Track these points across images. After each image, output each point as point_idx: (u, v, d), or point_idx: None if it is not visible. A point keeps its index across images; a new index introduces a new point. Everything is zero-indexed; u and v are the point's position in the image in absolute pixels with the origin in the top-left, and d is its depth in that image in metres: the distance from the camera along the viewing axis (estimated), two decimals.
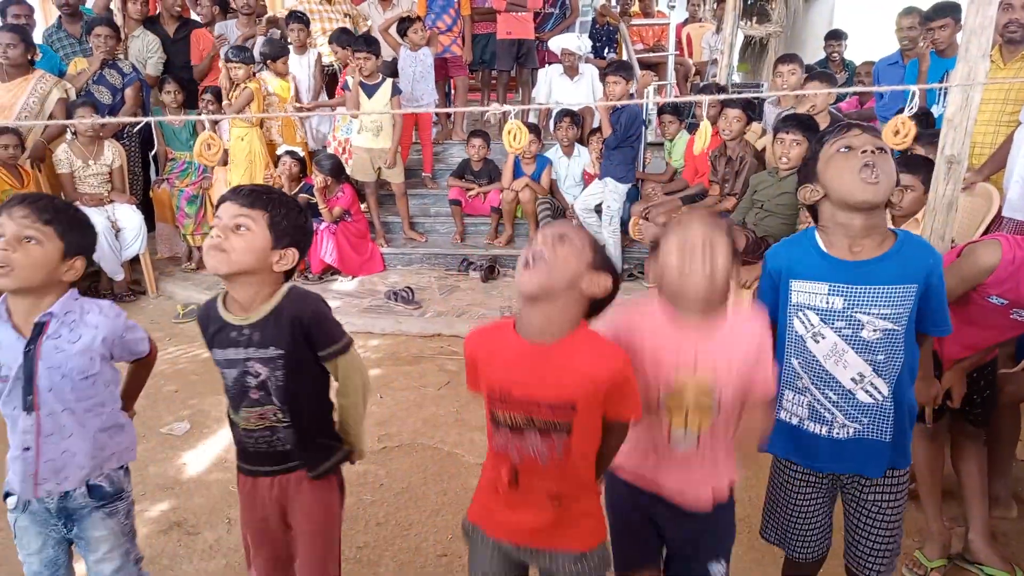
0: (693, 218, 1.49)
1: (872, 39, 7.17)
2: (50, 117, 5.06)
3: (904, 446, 1.71)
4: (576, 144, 5.71)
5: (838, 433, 1.68)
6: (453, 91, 7.07)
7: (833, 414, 1.68)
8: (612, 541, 1.67)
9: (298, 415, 1.64)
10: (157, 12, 6.29)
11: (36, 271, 1.58)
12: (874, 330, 1.61)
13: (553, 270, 1.37)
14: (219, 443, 3.19)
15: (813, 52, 9.31)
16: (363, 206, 5.78)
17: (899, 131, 1.43)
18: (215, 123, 5.68)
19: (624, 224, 5.28)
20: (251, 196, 1.58)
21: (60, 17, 5.88)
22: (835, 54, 6.82)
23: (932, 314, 1.64)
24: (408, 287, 4.99)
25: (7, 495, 1.72)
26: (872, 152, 1.59)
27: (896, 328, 1.60)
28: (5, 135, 4.45)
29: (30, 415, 1.61)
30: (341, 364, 1.66)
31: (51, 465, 1.65)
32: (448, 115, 6.81)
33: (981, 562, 2.26)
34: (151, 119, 1.92)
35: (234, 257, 1.54)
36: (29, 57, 5.04)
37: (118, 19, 5.86)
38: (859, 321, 1.61)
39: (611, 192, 5.15)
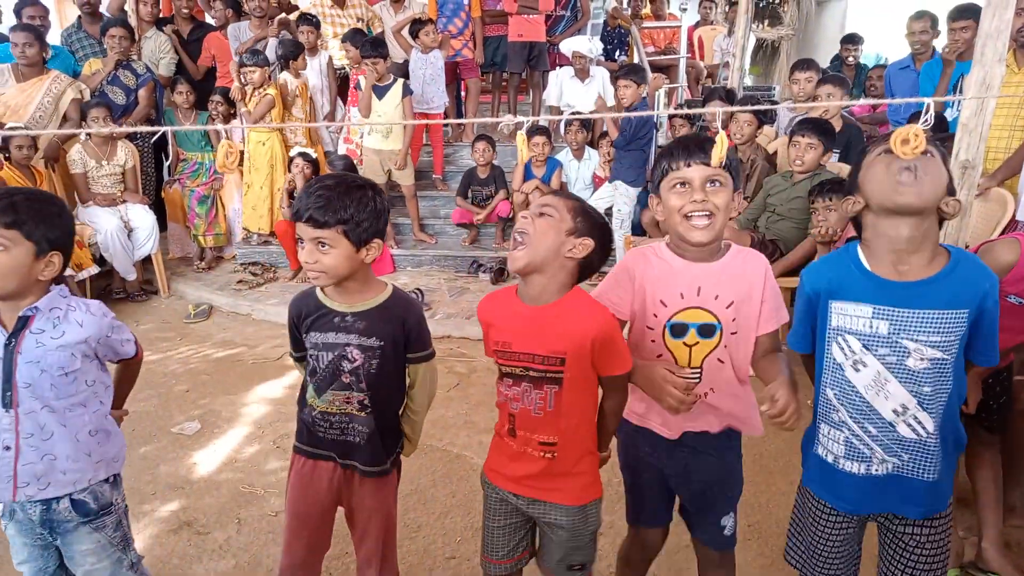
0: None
1: (885, 42, 7.12)
2: (64, 117, 5.11)
3: (947, 487, 1.57)
4: (586, 147, 5.71)
5: (876, 470, 1.55)
6: (465, 93, 7.07)
7: (872, 449, 1.54)
8: (626, 496, 1.88)
9: (380, 403, 1.73)
10: (171, 14, 6.34)
11: (7, 279, 1.53)
12: (921, 359, 1.47)
13: (535, 245, 1.54)
14: (229, 443, 3.20)
15: (825, 55, 9.28)
16: None
17: (909, 140, 1.38)
18: (227, 123, 5.73)
19: (635, 227, 5.27)
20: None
21: (80, 17, 5.93)
22: (850, 57, 6.79)
23: (982, 341, 1.50)
24: (418, 289, 5.00)
25: None
26: (913, 159, 1.47)
27: (945, 357, 1.46)
28: (18, 136, 4.48)
29: (8, 412, 1.58)
30: (423, 369, 1.78)
31: (31, 469, 1.61)
32: (459, 117, 6.82)
33: (995, 571, 2.24)
34: (167, 128, 1.92)
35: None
36: (43, 57, 5.08)
37: (132, 20, 5.91)
38: (905, 348, 1.47)
39: (621, 195, 5.15)
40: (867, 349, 1.51)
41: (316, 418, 1.74)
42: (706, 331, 1.64)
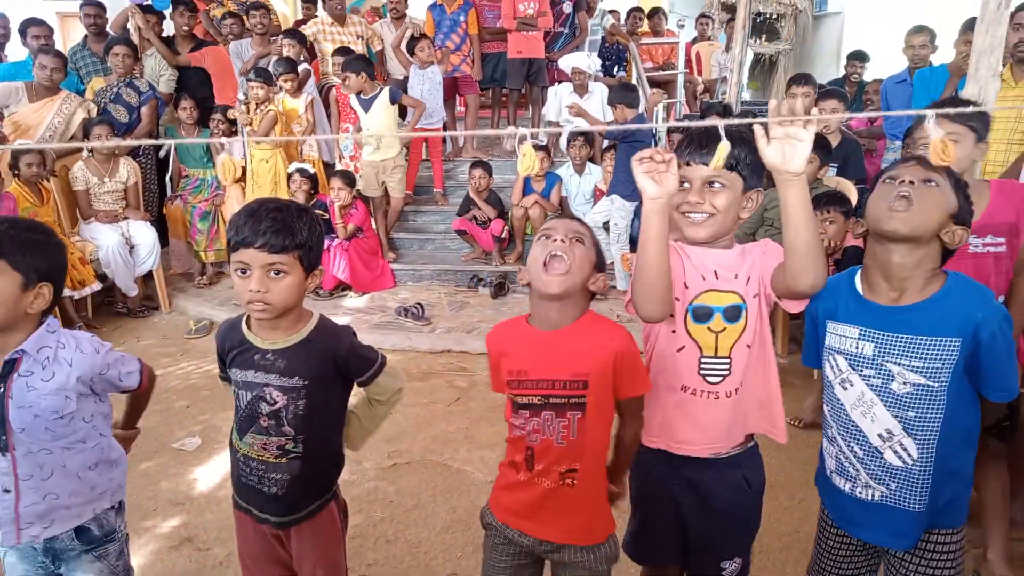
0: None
1: (881, 57, 7.18)
2: (73, 135, 5.15)
3: (948, 508, 1.52)
4: (588, 162, 5.74)
5: (861, 493, 1.55)
6: (464, 108, 7.12)
7: (857, 471, 1.55)
8: (636, 533, 1.77)
9: (314, 444, 1.60)
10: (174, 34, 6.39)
11: None
12: (904, 383, 1.46)
13: (575, 273, 1.52)
14: (229, 459, 3.19)
15: (823, 70, 9.36)
16: (372, 223, 5.83)
17: (947, 146, 1.37)
18: (228, 143, 5.77)
19: (633, 241, 5.29)
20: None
21: (85, 36, 5.98)
22: (855, 74, 6.86)
23: (986, 374, 1.45)
24: (418, 303, 5.01)
25: None
26: (911, 183, 1.46)
27: (931, 384, 1.45)
28: (29, 154, 4.51)
29: (5, 456, 1.51)
30: (381, 381, 1.67)
31: (34, 510, 1.56)
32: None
33: None
34: (169, 142, 1.94)
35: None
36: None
37: (135, 38, 5.95)
38: (889, 371, 1.48)
39: (618, 209, 5.17)
40: (853, 369, 1.53)
41: (239, 461, 1.63)
42: (732, 314, 1.54)
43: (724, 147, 1.26)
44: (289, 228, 1.47)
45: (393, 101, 5.56)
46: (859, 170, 4.44)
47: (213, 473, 3.08)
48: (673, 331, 1.59)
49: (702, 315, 1.56)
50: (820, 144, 3.79)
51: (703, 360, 1.57)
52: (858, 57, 6.95)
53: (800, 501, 2.71)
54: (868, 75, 7.00)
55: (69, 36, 7.94)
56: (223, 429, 3.45)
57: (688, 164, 1.53)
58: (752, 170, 1.53)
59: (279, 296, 1.48)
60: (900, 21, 6.11)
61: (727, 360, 1.57)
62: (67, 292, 4.32)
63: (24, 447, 1.52)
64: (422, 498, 2.85)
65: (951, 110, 1.80)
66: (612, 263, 5.34)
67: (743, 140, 1.45)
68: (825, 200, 3.49)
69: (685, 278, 1.56)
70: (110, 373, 1.62)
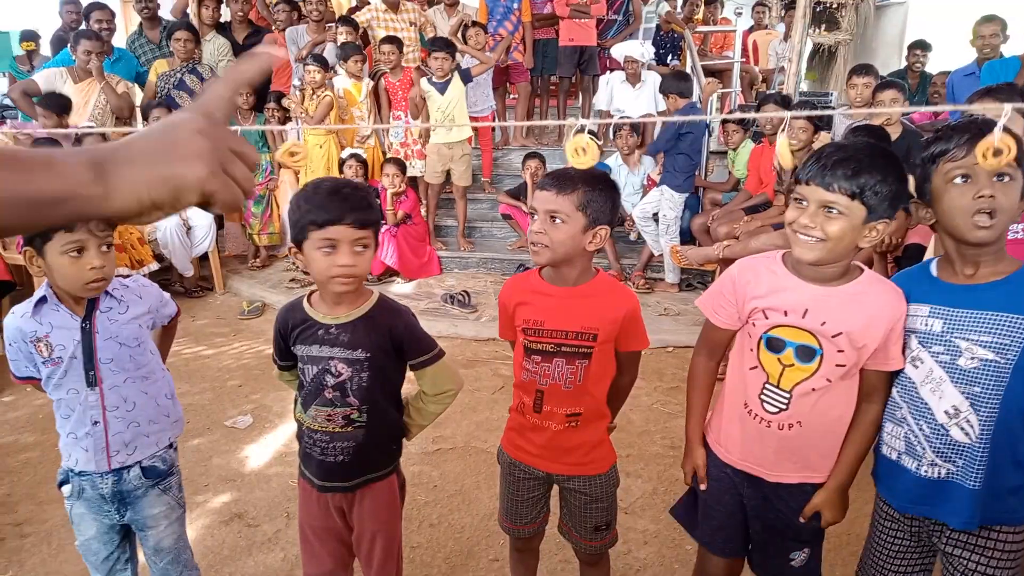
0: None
1: (948, 49, 6.92)
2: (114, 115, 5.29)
3: (1010, 497, 1.49)
4: (637, 152, 5.67)
5: (926, 471, 1.54)
6: (514, 97, 7.10)
7: (924, 448, 1.55)
8: (691, 508, 1.84)
9: (376, 416, 1.68)
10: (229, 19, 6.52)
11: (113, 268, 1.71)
12: (972, 358, 1.46)
13: (554, 248, 1.64)
14: (280, 438, 3.27)
15: (884, 61, 9.06)
16: (422, 210, 5.87)
17: (1002, 151, 1.29)
18: (283, 129, 5.86)
19: (684, 233, 5.22)
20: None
21: (140, 23, 6.14)
22: (917, 64, 6.62)
23: None
24: (464, 291, 5.03)
25: (62, 483, 1.78)
26: (990, 197, 1.38)
27: (998, 360, 1.44)
28: (90, 136, 4.62)
29: (94, 390, 1.69)
30: (430, 372, 1.72)
31: (120, 438, 1.73)
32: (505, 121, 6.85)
33: None
34: (236, 128, 1.99)
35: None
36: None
37: (195, 22, 6.09)
38: (957, 347, 1.47)
39: (667, 200, 5.10)
40: (923, 346, 1.53)
41: (304, 434, 1.71)
42: (805, 354, 1.53)
43: (785, 145, 1.20)
44: (370, 204, 1.58)
45: (465, 81, 5.57)
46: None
47: (264, 451, 3.16)
48: (751, 350, 1.62)
49: (775, 345, 1.57)
50: (878, 137, 3.67)
51: (766, 386, 1.60)
52: (920, 46, 6.70)
53: (851, 501, 2.64)
54: (931, 66, 6.75)
55: (131, 20, 8.14)
56: (274, 408, 3.53)
57: (807, 184, 1.46)
58: (881, 199, 1.42)
59: (363, 269, 1.57)
60: (967, 10, 5.88)
61: (787, 394, 1.57)
62: (125, 271, 4.45)
63: (110, 380, 1.70)
64: (465, 484, 2.88)
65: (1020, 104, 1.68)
66: (660, 255, 5.29)
67: (875, 167, 1.40)
68: None
69: (766, 308, 1.57)
70: (161, 302, 1.88)
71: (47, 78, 5.29)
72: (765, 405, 1.60)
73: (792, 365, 1.55)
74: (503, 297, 1.81)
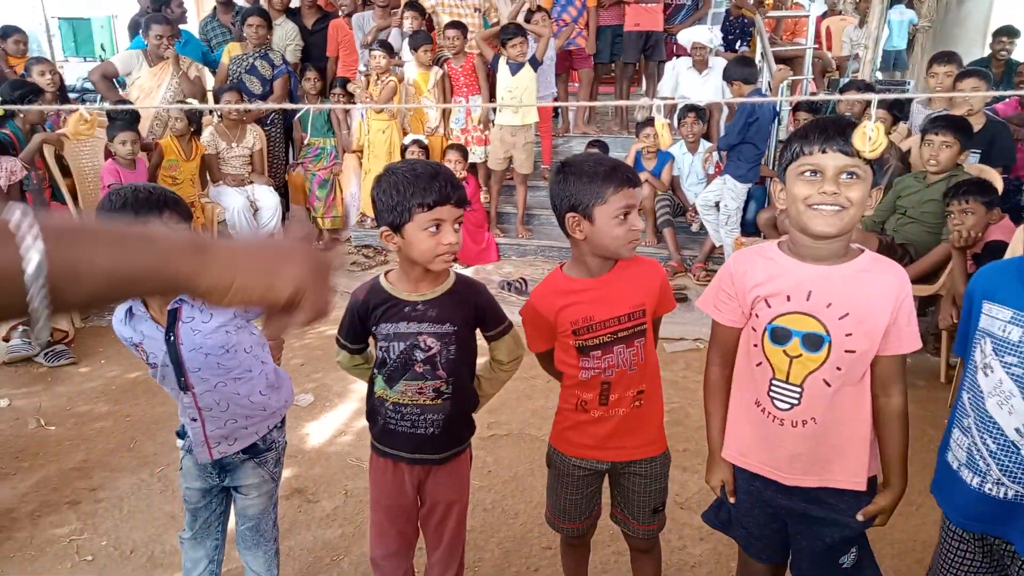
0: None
1: None
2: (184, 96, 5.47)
3: None
4: (702, 140, 5.55)
5: (991, 490, 1.45)
6: (577, 83, 7.02)
7: (988, 465, 1.45)
8: (724, 512, 1.79)
9: (460, 387, 1.74)
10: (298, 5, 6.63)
11: None
12: None
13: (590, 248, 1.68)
14: (340, 417, 3.34)
15: (967, 48, 8.61)
16: (481, 196, 5.89)
17: None
18: (347, 112, 5.94)
19: (748, 225, 5.09)
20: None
21: (215, 7, 6.30)
22: (1003, 51, 6.27)
23: None
24: (522, 278, 5.03)
25: (180, 435, 1.88)
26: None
27: None
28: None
29: (187, 394, 1.74)
30: (506, 341, 1.80)
31: (218, 433, 1.78)
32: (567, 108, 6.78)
33: None
34: (288, 106, 2.02)
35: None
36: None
37: (266, 6, 6.21)
38: None
39: (729, 190, 4.97)
40: (996, 354, 1.42)
41: (388, 410, 1.74)
42: (812, 342, 1.47)
43: (879, 130, 1.16)
44: (461, 185, 1.64)
45: (535, 67, 5.56)
46: (1006, 156, 4.08)
47: (324, 429, 3.23)
48: (755, 345, 1.56)
49: (780, 336, 1.51)
50: (960, 127, 3.51)
51: (774, 381, 1.53)
52: (1006, 33, 6.34)
53: (918, 508, 2.55)
54: (1018, 53, 6.39)
55: (203, 6, 8.38)
56: (334, 388, 3.61)
57: (824, 151, 1.40)
58: (877, 164, 1.46)
59: (461, 244, 1.64)
60: None
61: (799, 389, 1.50)
62: None
63: (201, 385, 1.73)
64: (519, 471, 2.89)
65: None
66: (722, 247, 5.18)
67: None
68: (964, 188, 3.23)
69: (767, 295, 1.51)
70: None
71: (124, 60, 5.49)
72: (776, 402, 1.53)
73: (799, 356, 1.48)
74: (538, 307, 1.77)
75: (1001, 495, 1.43)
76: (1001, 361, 1.41)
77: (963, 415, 1.51)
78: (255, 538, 1.95)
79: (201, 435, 1.78)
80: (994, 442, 1.43)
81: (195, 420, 1.76)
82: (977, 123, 3.94)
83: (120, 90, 5.57)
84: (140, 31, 5.54)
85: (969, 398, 1.50)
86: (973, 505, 1.49)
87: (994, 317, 1.45)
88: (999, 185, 3.48)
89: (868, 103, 4.21)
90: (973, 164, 3.84)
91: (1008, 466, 1.42)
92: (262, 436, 1.85)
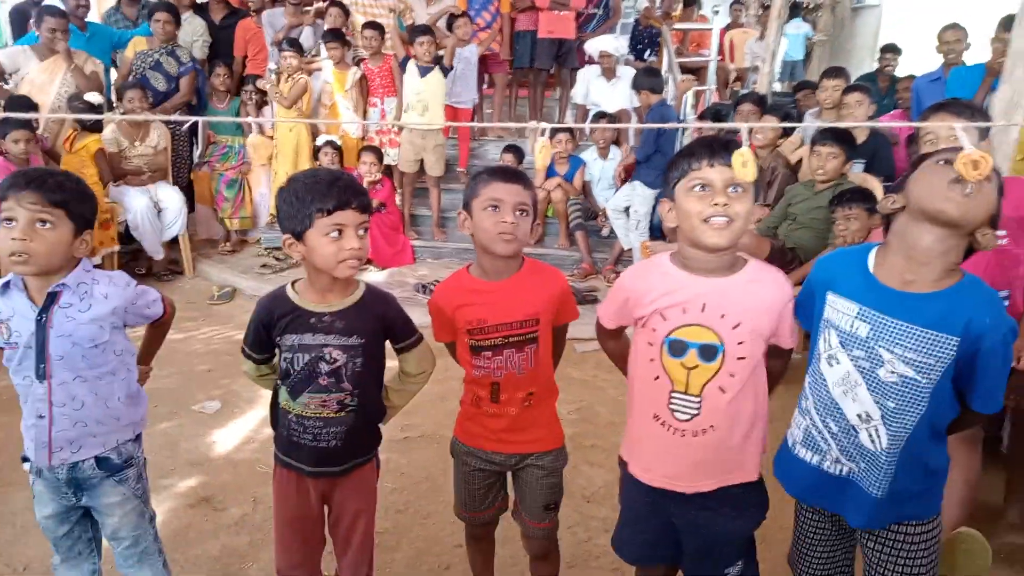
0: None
1: (920, 52, 7.04)
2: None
3: (915, 500, 1.52)
4: (612, 146, 5.72)
5: (830, 467, 1.56)
6: (492, 87, 7.09)
7: (828, 445, 1.55)
8: (624, 533, 1.80)
9: (366, 400, 1.74)
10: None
11: (53, 255, 1.61)
12: (892, 372, 1.43)
13: (521, 240, 1.73)
14: (248, 423, 3.28)
15: (858, 63, 9.20)
16: (396, 199, 5.87)
17: (979, 164, 1.28)
18: (259, 111, 5.81)
19: (655, 229, 5.29)
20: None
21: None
22: (888, 67, 6.75)
23: (977, 383, 1.43)
24: (437, 280, 5.05)
25: (24, 459, 1.77)
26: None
27: (918, 379, 1.42)
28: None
29: (42, 383, 1.65)
30: (415, 354, 1.81)
31: (64, 435, 1.69)
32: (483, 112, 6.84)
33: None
34: (198, 119, 1.97)
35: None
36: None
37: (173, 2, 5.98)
38: (880, 356, 1.44)
39: (639, 196, 5.16)
40: (843, 347, 1.50)
41: (291, 422, 1.72)
42: (707, 353, 1.51)
43: (751, 156, 1.25)
44: (364, 191, 1.67)
45: (445, 72, 5.56)
46: (887, 167, 4.40)
47: (232, 436, 3.17)
48: (651, 360, 1.58)
49: (677, 349, 1.54)
50: (845, 139, 3.76)
51: (673, 394, 1.56)
52: (891, 49, 6.84)
53: (773, 492, 2.72)
54: (903, 69, 6.88)
55: None
56: (243, 394, 3.54)
57: (711, 166, 1.46)
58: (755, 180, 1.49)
59: (367, 252, 1.64)
60: (939, 15, 6.00)
61: (697, 399, 1.54)
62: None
63: (60, 376, 1.66)
64: (432, 471, 2.92)
65: (968, 124, 1.72)
66: (631, 250, 5.36)
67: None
68: (849, 196, 3.47)
69: (663, 309, 1.55)
70: (139, 303, 1.78)
71: (10, 56, 5.15)
72: (676, 414, 1.56)
73: (696, 367, 1.53)
74: (439, 302, 1.83)
75: (837, 472, 1.56)
76: (849, 354, 1.49)
77: (803, 397, 1.62)
78: (138, 555, 1.85)
79: (45, 435, 1.68)
80: (836, 425, 1.53)
81: (42, 417, 1.67)
82: (861, 135, 4.23)
83: (6, 85, 5.24)
84: (32, 21, 5.23)
85: (810, 383, 1.59)
86: (809, 478, 1.60)
87: (839, 310, 1.51)
88: (880, 193, 3.76)
89: (762, 112, 4.44)
90: (857, 173, 4.12)
91: (847, 447, 1.52)
92: (114, 448, 1.76)
